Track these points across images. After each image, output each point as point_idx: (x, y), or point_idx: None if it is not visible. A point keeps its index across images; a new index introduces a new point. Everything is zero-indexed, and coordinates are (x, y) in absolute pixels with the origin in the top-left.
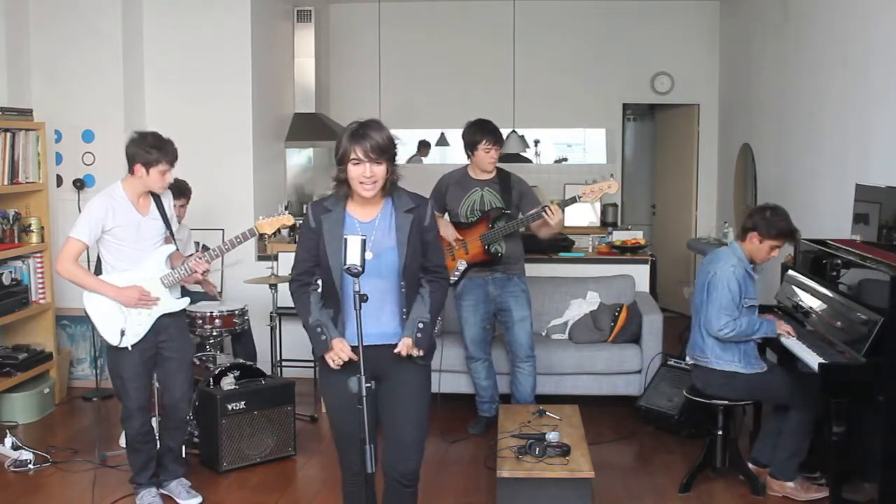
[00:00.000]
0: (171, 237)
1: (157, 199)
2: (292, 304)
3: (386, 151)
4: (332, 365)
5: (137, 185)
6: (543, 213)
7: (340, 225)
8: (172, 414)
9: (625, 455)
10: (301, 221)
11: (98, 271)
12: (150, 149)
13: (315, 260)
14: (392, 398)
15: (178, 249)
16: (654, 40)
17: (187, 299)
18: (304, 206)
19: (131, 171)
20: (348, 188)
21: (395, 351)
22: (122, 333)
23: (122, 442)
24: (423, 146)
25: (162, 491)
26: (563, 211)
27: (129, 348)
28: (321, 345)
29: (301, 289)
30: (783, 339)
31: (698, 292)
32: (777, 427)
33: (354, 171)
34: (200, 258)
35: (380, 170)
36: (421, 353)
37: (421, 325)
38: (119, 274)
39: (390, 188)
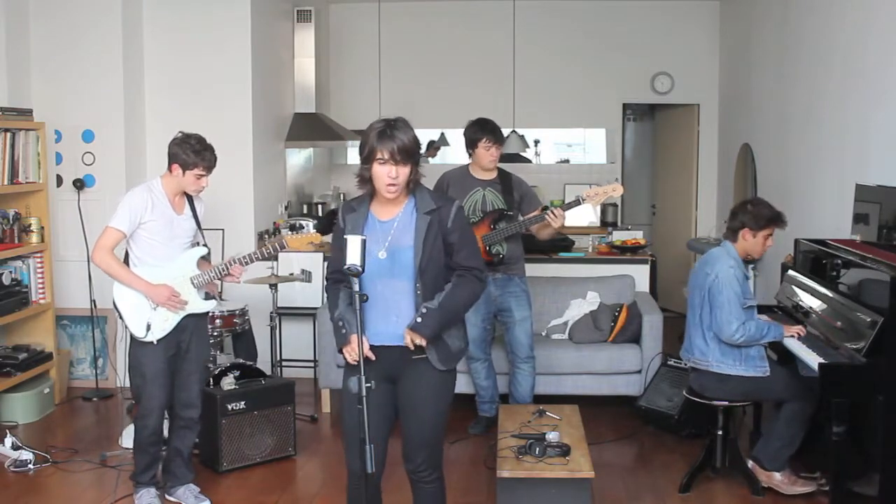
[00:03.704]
0: (202, 240)
1: (191, 201)
2: (293, 304)
3: (412, 154)
4: (348, 359)
5: (173, 183)
6: (546, 216)
7: (362, 223)
8: (183, 413)
9: (625, 455)
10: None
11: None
12: (189, 152)
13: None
14: (405, 401)
15: (209, 252)
16: (654, 40)
17: (214, 302)
18: (304, 208)
19: (169, 168)
20: (372, 186)
21: (405, 344)
22: (149, 327)
23: (122, 441)
24: (431, 146)
25: (171, 498)
26: (564, 212)
27: (155, 342)
28: (340, 339)
29: (333, 286)
30: (784, 340)
31: (695, 293)
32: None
33: (380, 171)
34: (234, 263)
35: (404, 171)
36: (423, 341)
37: (424, 311)
38: (150, 269)
39: (413, 187)
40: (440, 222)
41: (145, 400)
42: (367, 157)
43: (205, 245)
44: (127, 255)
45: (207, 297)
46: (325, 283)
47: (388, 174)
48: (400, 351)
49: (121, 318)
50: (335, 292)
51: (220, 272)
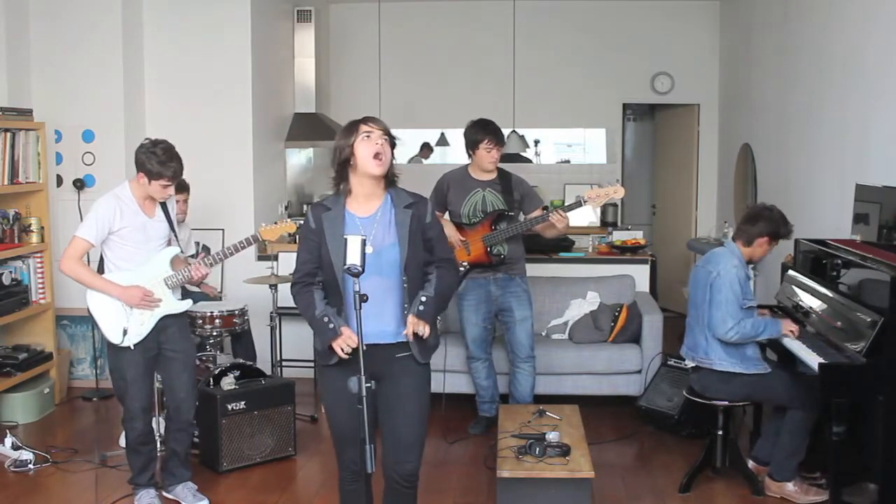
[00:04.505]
0: (174, 239)
1: (163, 202)
2: (292, 304)
3: (391, 135)
4: (340, 353)
5: (141, 189)
6: (550, 218)
7: (341, 222)
8: (176, 415)
9: (625, 455)
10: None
11: (101, 270)
12: (154, 162)
13: (317, 261)
14: (391, 398)
15: (182, 252)
16: (654, 40)
17: (189, 301)
18: (304, 208)
19: (137, 175)
20: (348, 182)
21: (404, 334)
22: (125, 332)
23: (122, 442)
24: (425, 147)
25: (168, 496)
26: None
27: (132, 347)
28: (329, 333)
29: (304, 288)
30: (784, 340)
31: (698, 291)
32: (776, 426)
33: (366, 146)
34: (200, 264)
35: (388, 149)
36: (427, 329)
37: (424, 299)
38: (123, 273)
39: (389, 182)
40: (419, 217)
41: (128, 402)
42: (346, 143)
43: (198, 248)
44: (101, 260)
45: (184, 296)
46: (292, 287)
47: (374, 143)
48: (386, 349)
49: (96, 325)
50: (307, 294)
51: (189, 274)
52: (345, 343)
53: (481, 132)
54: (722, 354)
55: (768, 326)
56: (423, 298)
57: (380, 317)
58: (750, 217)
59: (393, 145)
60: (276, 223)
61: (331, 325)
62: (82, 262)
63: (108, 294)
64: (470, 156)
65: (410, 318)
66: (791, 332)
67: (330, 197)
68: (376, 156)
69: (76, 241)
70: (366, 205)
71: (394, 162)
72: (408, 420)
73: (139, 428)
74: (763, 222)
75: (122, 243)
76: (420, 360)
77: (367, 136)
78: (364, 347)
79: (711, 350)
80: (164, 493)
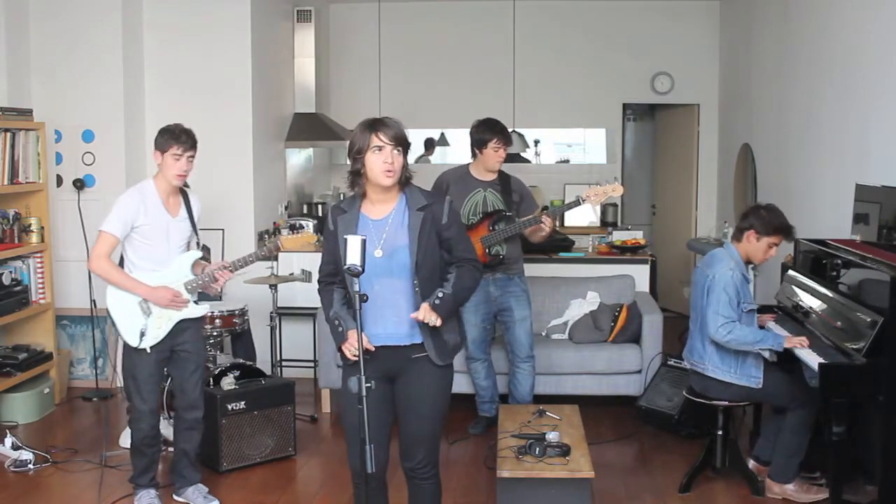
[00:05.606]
0: (194, 241)
1: (187, 202)
2: (292, 304)
3: (405, 144)
4: (347, 355)
5: (163, 180)
6: (541, 221)
7: (354, 225)
8: (187, 415)
9: (625, 455)
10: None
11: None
12: (166, 135)
13: (335, 262)
14: (403, 399)
15: (203, 257)
16: (654, 40)
17: (206, 306)
18: (304, 208)
19: (155, 158)
20: (363, 186)
21: (412, 316)
22: (142, 335)
23: (122, 441)
24: (430, 145)
25: (179, 498)
26: (555, 218)
27: (148, 350)
28: (338, 337)
29: (326, 287)
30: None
31: (696, 295)
32: (776, 426)
33: (376, 160)
34: (225, 268)
35: (399, 159)
36: (438, 320)
37: (440, 295)
38: (144, 274)
39: (404, 183)
40: (433, 219)
41: (137, 403)
42: (360, 149)
43: (199, 248)
44: (122, 258)
45: (200, 300)
46: (318, 285)
47: (384, 160)
48: (399, 351)
49: (114, 326)
50: (328, 293)
51: (212, 277)
52: (353, 346)
53: (490, 132)
54: (717, 362)
55: (768, 338)
56: (441, 294)
57: (390, 318)
58: (742, 214)
59: (405, 152)
60: (298, 233)
61: (340, 329)
62: (111, 261)
63: (136, 294)
64: (475, 155)
65: (424, 305)
66: (799, 343)
67: (347, 199)
68: (387, 171)
69: (103, 237)
70: (380, 207)
71: (407, 164)
72: (417, 419)
73: (145, 429)
74: (752, 216)
75: (143, 241)
76: (437, 363)
77: (379, 150)
78: (366, 348)
79: (707, 357)
80: (175, 497)
